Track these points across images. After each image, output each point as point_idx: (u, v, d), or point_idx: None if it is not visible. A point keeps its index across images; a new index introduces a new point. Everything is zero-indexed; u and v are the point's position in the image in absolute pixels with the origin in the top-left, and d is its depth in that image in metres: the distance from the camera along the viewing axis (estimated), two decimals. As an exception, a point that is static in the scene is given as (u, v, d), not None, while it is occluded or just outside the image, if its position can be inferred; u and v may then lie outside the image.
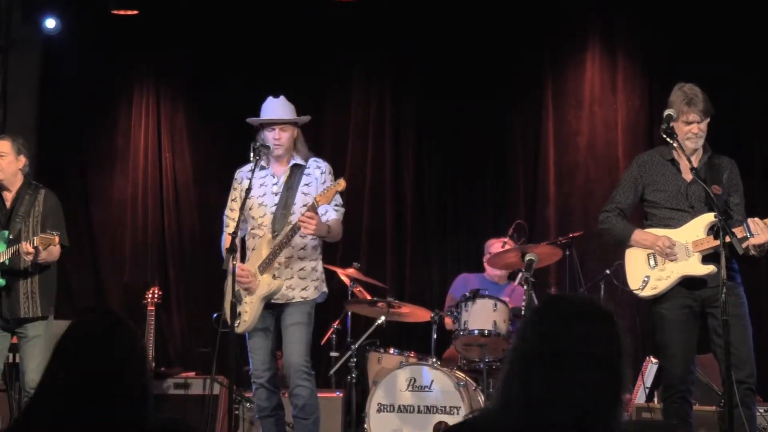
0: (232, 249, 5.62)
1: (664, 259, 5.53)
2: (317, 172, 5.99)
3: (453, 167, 9.33)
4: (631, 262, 5.70)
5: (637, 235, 5.65)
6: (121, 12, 9.25)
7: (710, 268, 5.38)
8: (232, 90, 9.36)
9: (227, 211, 6.06)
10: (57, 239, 6.15)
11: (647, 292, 5.56)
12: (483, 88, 9.20)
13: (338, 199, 5.90)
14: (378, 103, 9.48)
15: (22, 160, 6.45)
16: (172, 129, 9.82)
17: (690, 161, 5.48)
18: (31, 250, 6.13)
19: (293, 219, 5.78)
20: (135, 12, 9.26)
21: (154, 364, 8.42)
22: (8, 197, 6.42)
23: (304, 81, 9.20)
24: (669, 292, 5.51)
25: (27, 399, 6.28)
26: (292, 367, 5.78)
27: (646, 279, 5.57)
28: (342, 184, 5.69)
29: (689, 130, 5.51)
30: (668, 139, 5.47)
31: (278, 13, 9.41)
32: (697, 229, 5.48)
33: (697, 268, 5.46)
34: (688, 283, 5.50)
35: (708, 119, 5.55)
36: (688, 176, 5.55)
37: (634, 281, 5.65)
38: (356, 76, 9.58)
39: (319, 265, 6.02)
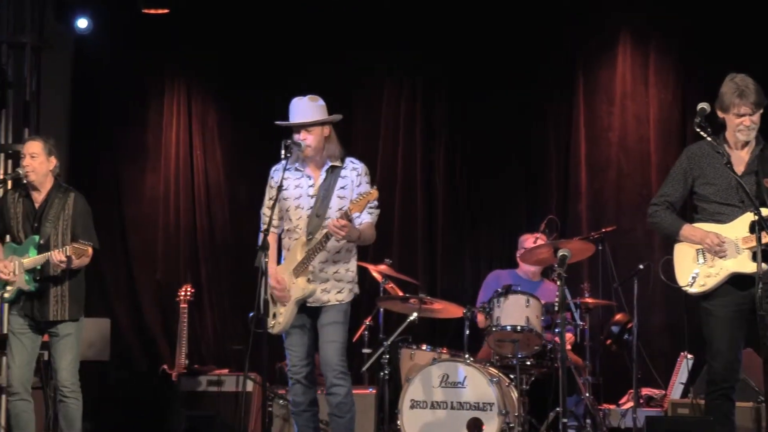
0: (264, 247, 5.61)
1: (713, 256, 5.45)
2: (353, 174, 5.93)
3: (484, 163, 9.30)
4: (679, 258, 5.60)
5: (686, 230, 5.54)
6: (152, 11, 9.27)
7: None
8: (262, 88, 9.38)
9: (264, 209, 6.03)
10: (90, 250, 6.19)
11: (695, 289, 5.47)
12: (514, 83, 9.18)
13: (372, 201, 5.87)
14: (408, 99, 9.47)
15: (53, 161, 6.48)
16: (203, 127, 9.86)
17: (728, 155, 5.38)
18: (63, 258, 6.17)
19: (328, 223, 5.73)
20: (165, 11, 9.29)
21: (187, 362, 8.46)
22: (38, 199, 6.45)
23: (335, 79, 9.19)
24: (718, 289, 5.42)
25: (60, 396, 6.35)
26: (328, 366, 5.78)
27: (694, 275, 5.47)
28: (374, 193, 5.63)
29: (740, 122, 5.42)
30: (702, 134, 5.38)
31: (309, 11, 9.41)
32: (746, 225, 5.34)
33: (746, 265, 5.35)
34: (737, 280, 5.39)
35: (761, 110, 5.44)
36: (739, 169, 5.42)
37: (682, 277, 5.55)
38: (386, 73, 9.57)
39: (353, 267, 5.99)
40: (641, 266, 7.61)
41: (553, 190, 9.10)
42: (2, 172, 9.02)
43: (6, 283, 6.34)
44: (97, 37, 9.53)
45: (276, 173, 5.97)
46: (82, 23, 9.35)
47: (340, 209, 5.74)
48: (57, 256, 6.18)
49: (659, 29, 8.95)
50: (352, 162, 5.99)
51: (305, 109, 5.90)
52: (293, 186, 5.93)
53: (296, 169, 5.95)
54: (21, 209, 6.44)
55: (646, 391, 7.98)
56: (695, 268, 5.50)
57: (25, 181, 6.48)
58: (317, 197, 5.88)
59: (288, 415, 7.47)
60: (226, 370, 8.49)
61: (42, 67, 9.38)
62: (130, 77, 9.81)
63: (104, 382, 8.75)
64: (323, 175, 5.92)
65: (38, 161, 6.41)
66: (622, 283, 7.77)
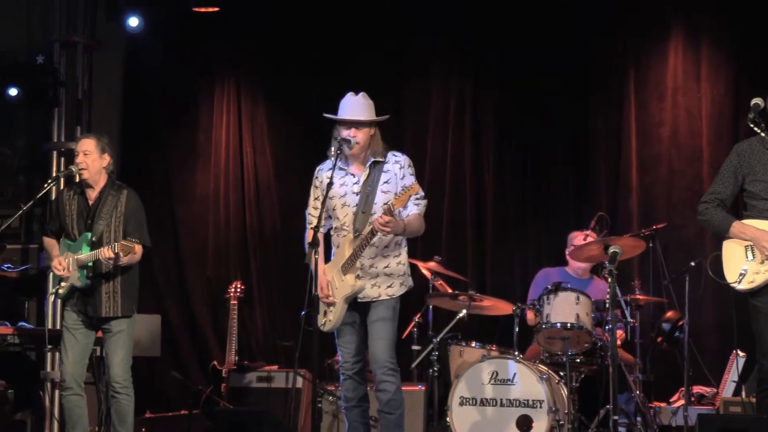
0: (314, 243, 5.65)
1: (762, 253, 5.39)
2: (396, 167, 5.93)
3: (533, 159, 9.26)
4: (728, 254, 5.56)
5: (736, 227, 5.50)
6: (202, 9, 9.33)
7: None
8: (312, 86, 9.41)
9: (310, 209, 6.05)
10: (137, 247, 6.24)
11: (744, 285, 5.43)
12: (564, 79, 9.11)
13: (419, 192, 5.84)
14: (457, 96, 9.44)
15: (107, 158, 6.53)
16: (252, 125, 9.91)
17: None
18: (111, 255, 6.22)
19: (374, 219, 5.73)
20: (216, 9, 9.35)
21: (237, 358, 8.51)
22: (92, 196, 6.51)
23: (384, 75, 9.22)
24: (767, 286, 5.37)
25: (112, 392, 6.42)
26: (377, 363, 5.79)
27: (743, 272, 5.43)
28: (415, 188, 5.65)
29: None
30: (756, 129, 5.33)
31: (358, 9, 9.43)
32: None
33: None
34: None
35: None
36: None
37: (731, 274, 5.52)
38: (435, 71, 9.55)
39: (404, 259, 5.99)
40: (692, 263, 7.54)
41: (603, 186, 9.02)
42: (55, 170, 9.15)
43: (61, 279, 6.43)
44: (148, 36, 9.61)
45: (321, 173, 6.01)
46: (133, 22, 9.42)
47: (385, 204, 5.76)
48: (105, 253, 6.24)
49: (712, 23, 8.84)
50: (394, 155, 5.99)
51: (359, 106, 5.92)
52: (339, 184, 5.94)
53: (340, 168, 5.97)
54: (75, 206, 6.51)
55: (697, 389, 7.90)
56: (744, 265, 5.46)
57: (78, 179, 6.55)
58: (362, 194, 5.90)
59: (337, 412, 7.49)
60: (275, 367, 8.52)
61: (94, 66, 9.51)
62: (180, 75, 9.89)
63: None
64: (367, 171, 5.94)
65: (91, 158, 6.47)
66: (673, 281, 7.71)
